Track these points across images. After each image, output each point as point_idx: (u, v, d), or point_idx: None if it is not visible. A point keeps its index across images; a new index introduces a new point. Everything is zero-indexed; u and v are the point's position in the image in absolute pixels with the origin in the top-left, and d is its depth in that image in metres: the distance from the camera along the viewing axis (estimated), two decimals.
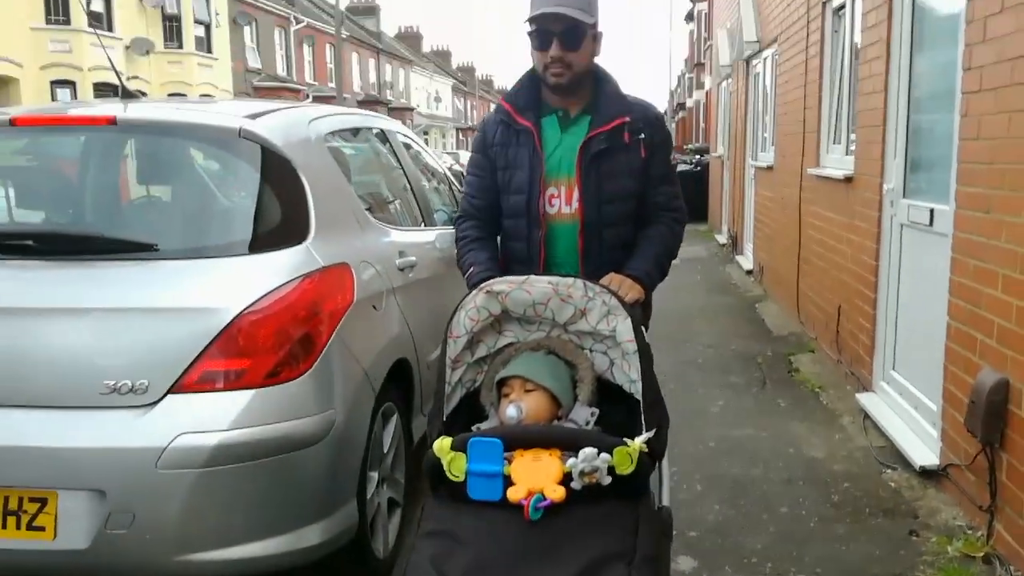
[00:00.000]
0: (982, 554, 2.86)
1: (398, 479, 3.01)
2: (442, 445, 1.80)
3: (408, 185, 3.74)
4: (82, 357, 2.18)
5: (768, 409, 4.63)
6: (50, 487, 2.16)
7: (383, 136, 3.74)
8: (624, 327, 1.98)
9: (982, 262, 3.03)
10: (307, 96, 30.91)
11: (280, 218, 2.53)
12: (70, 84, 18.99)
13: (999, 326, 2.89)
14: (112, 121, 2.59)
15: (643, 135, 2.29)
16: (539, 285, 2.03)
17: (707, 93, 20.31)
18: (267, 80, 28.74)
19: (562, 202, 2.30)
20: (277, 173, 2.57)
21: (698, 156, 18.10)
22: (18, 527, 2.18)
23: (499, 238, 2.44)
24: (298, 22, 31.32)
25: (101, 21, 19.87)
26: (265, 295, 2.28)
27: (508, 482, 1.73)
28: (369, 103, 35.25)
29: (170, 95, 22.84)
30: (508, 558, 1.64)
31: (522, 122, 2.30)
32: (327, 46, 34.77)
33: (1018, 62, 2.77)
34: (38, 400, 2.19)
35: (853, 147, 4.97)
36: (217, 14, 24.68)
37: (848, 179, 4.93)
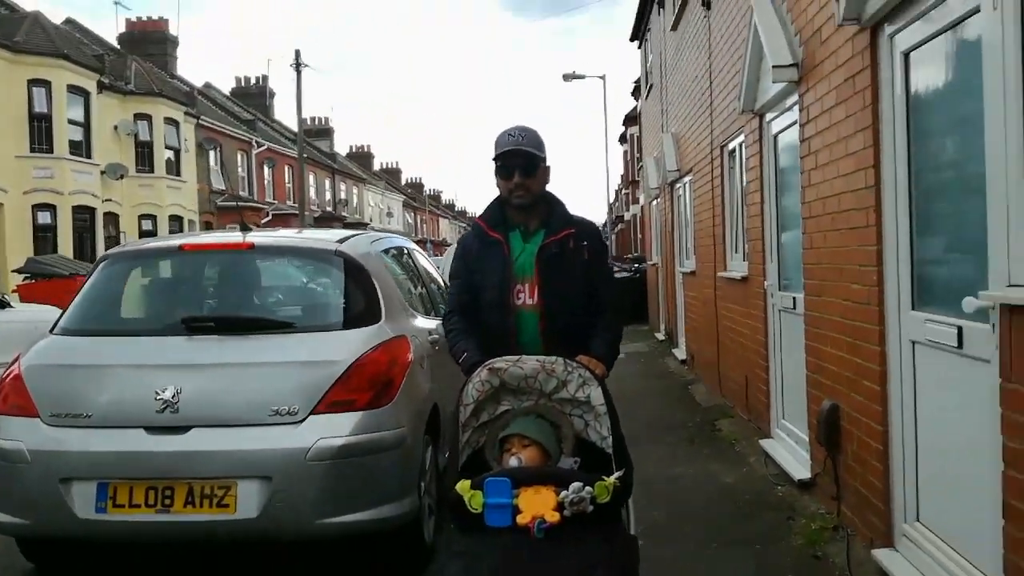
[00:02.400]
0: (832, 525, 4.23)
1: (432, 492, 4.27)
2: (463, 485, 2.32)
3: (424, 285, 5.14)
4: (257, 392, 3.48)
5: (695, 456, 6.00)
6: (234, 476, 3.40)
7: (407, 251, 5.19)
8: (596, 394, 2.58)
9: (819, 329, 4.54)
10: (268, 214, 32.47)
11: (363, 306, 3.90)
12: (51, 207, 20.08)
13: (829, 370, 4.37)
14: (251, 247, 3.98)
15: (586, 242, 2.93)
16: (530, 363, 2.61)
17: (642, 208, 22.44)
18: (230, 200, 30.21)
19: (526, 296, 2.88)
20: (357, 277, 3.97)
21: (636, 264, 19.96)
22: (211, 505, 3.40)
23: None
24: (259, 146, 33.16)
25: (80, 149, 21.18)
26: (364, 353, 3.63)
27: (516, 511, 2.25)
28: (326, 219, 36.86)
29: (141, 217, 24.09)
30: (522, 565, 2.19)
31: (494, 235, 2.93)
32: (286, 167, 36.62)
33: (826, 200, 4.36)
34: (228, 421, 3.45)
35: (747, 255, 6.60)
36: (186, 140, 26.27)
37: (744, 279, 6.52)
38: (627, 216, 36.62)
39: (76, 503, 3.45)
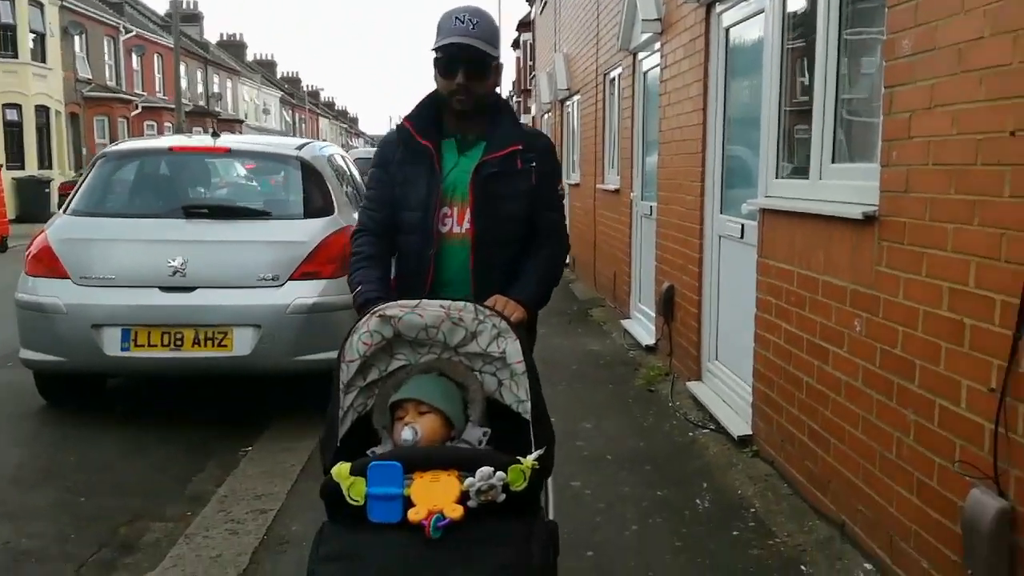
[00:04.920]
0: (665, 373, 6.04)
1: None
2: (340, 470, 1.87)
3: (354, 186, 6.52)
4: (247, 263, 4.83)
5: (570, 333, 7.76)
6: (231, 324, 4.78)
7: (342, 157, 6.52)
8: (513, 349, 2.13)
9: (665, 229, 6.25)
10: (137, 106, 31.88)
11: (321, 201, 5.27)
12: None
13: (671, 260, 6.10)
14: (228, 150, 5.26)
15: (534, 163, 2.46)
16: (431, 309, 2.15)
17: (533, 119, 23.88)
18: (98, 90, 29.52)
19: (454, 221, 2.44)
20: (314, 177, 5.32)
21: None
22: (213, 345, 4.79)
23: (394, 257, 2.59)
24: (127, 31, 32.18)
25: None
26: (325, 237, 5.02)
27: (408, 503, 1.81)
28: (199, 115, 36.36)
29: (5, 106, 23.53)
30: (414, 573, 1.77)
31: (422, 142, 2.44)
32: (155, 56, 35.66)
33: (674, 131, 5.99)
34: (226, 283, 4.79)
35: (619, 171, 8.26)
36: (50, 23, 25.47)
37: (616, 190, 8.20)
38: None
39: (105, 344, 4.75)
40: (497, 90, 2.57)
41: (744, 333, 4.55)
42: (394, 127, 2.61)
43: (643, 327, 7.18)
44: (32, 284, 4.91)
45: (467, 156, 2.49)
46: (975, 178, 2.47)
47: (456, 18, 2.37)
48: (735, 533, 3.51)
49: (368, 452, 2.06)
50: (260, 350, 4.78)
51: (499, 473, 1.85)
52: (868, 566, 3.10)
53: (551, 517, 2.30)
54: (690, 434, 4.81)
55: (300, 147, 5.47)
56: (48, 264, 4.87)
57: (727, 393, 4.97)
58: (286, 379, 5.16)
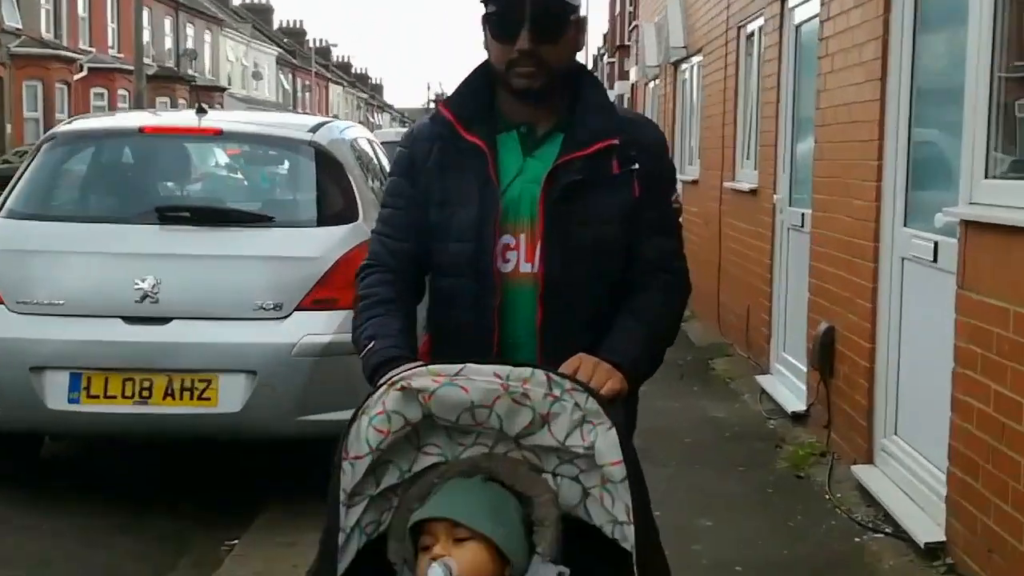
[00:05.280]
0: (819, 452, 6.09)
1: None
2: None
3: (383, 180, 6.77)
4: (240, 286, 5.07)
5: (685, 391, 7.86)
6: (216, 369, 5.02)
7: (370, 141, 6.78)
8: (607, 442, 1.96)
9: (824, 246, 6.33)
10: (81, 68, 33.22)
11: (342, 203, 5.50)
12: None
13: (830, 291, 6.17)
14: (219, 132, 5.55)
15: (637, 165, 2.31)
16: (480, 379, 2.00)
17: (633, 87, 24.17)
18: (29, 45, 30.87)
19: (521, 256, 2.31)
20: (333, 170, 5.56)
21: None
22: (192, 398, 5.03)
23: (427, 308, 2.47)
24: None
25: None
26: (346, 252, 5.24)
27: None
28: (165, 80, 37.72)
29: None
30: None
31: (470, 138, 2.31)
32: None
33: (838, 109, 6.08)
34: (211, 314, 5.04)
35: (758, 163, 8.37)
36: None
37: (753, 191, 8.32)
38: (611, 96, 38.27)
39: (47, 393, 5.03)
40: (578, 56, 2.43)
41: (937, 397, 4.60)
42: (427, 113, 2.52)
43: (788, 386, 7.24)
44: None
45: (536, 157, 2.36)
46: None
47: None
48: None
49: None
50: (254, 405, 5.00)
51: None
52: None
53: None
54: (856, 539, 4.89)
55: (314, 129, 5.74)
56: None
57: (910, 483, 5.01)
58: (288, 445, 5.38)
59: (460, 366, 2.01)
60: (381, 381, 2.04)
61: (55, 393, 5.04)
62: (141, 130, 5.70)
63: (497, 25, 2.29)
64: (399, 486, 2.08)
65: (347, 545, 2.01)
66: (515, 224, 2.31)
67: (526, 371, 2.01)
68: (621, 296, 2.36)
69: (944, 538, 4.48)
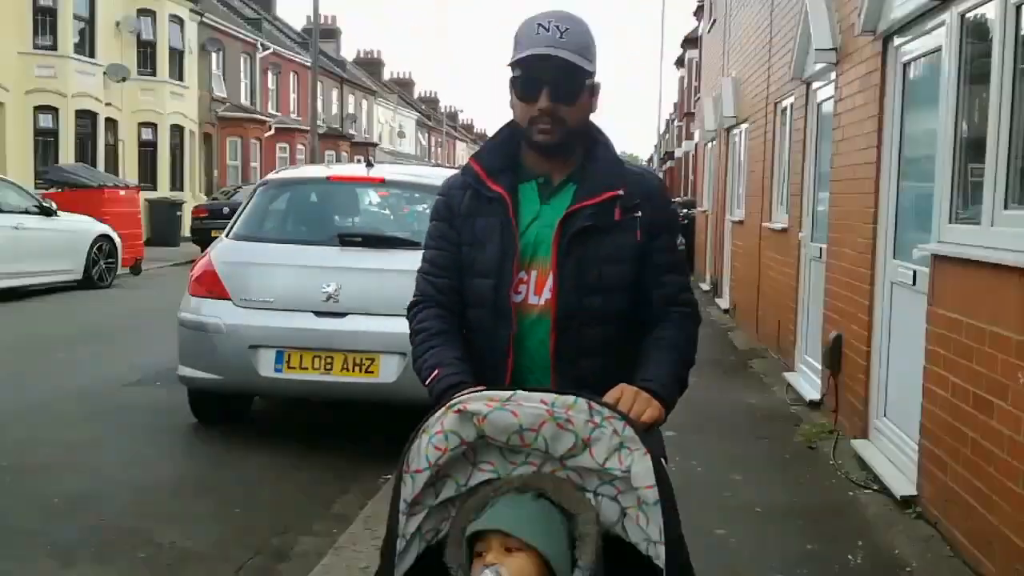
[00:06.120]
0: (828, 430, 6.36)
1: None
2: None
3: None
4: (397, 292, 5.56)
5: (727, 385, 8.16)
6: (378, 351, 5.54)
7: None
8: (642, 467, 1.82)
9: (835, 272, 6.61)
10: (270, 128, 34.57)
11: None
12: (53, 110, 22.26)
13: (839, 307, 6.45)
14: (382, 180, 6.10)
15: (639, 213, 2.18)
16: (528, 405, 1.86)
17: (696, 146, 24.35)
18: (232, 110, 32.31)
19: (529, 290, 2.20)
20: None
21: (685, 208, 21.83)
22: (361, 371, 5.56)
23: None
24: (264, 49, 35.07)
25: (83, 47, 23.26)
26: None
27: None
28: (332, 137, 38.92)
29: (141, 124, 26.24)
30: None
31: (494, 188, 2.20)
32: (291, 74, 38.57)
33: (846, 168, 6.37)
34: (375, 311, 5.56)
35: (788, 208, 8.64)
36: (189, 40, 28.26)
37: (784, 230, 8.59)
38: (678, 153, 38.38)
39: (260, 364, 5.62)
40: (592, 117, 2.26)
41: (914, 388, 4.87)
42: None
43: (808, 381, 7.50)
44: (195, 304, 5.87)
45: (551, 204, 2.20)
46: None
47: (540, 25, 2.11)
48: None
49: None
50: (405, 378, 5.49)
51: None
52: None
53: None
54: (850, 493, 5.15)
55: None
56: (211, 286, 5.81)
57: (893, 452, 5.27)
58: (429, 409, 5.87)
59: (511, 392, 1.87)
60: (449, 397, 1.91)
61: (265, 364, 5.62)
62: (328, 179, 6.34)
63: (522, 87, 2.15)
64: (457, 498, 1.93)
65: (408, 549, 1.89)
66: (531, 262, 2.17)
67: (570, 399, 1.86)
68: (630, 326, 2.20)
69: (915, 492, 4.76)
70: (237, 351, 5.65)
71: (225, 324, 5.70)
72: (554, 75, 2.09)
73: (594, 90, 2.20)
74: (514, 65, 2.13)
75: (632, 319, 2.20)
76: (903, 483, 4.91)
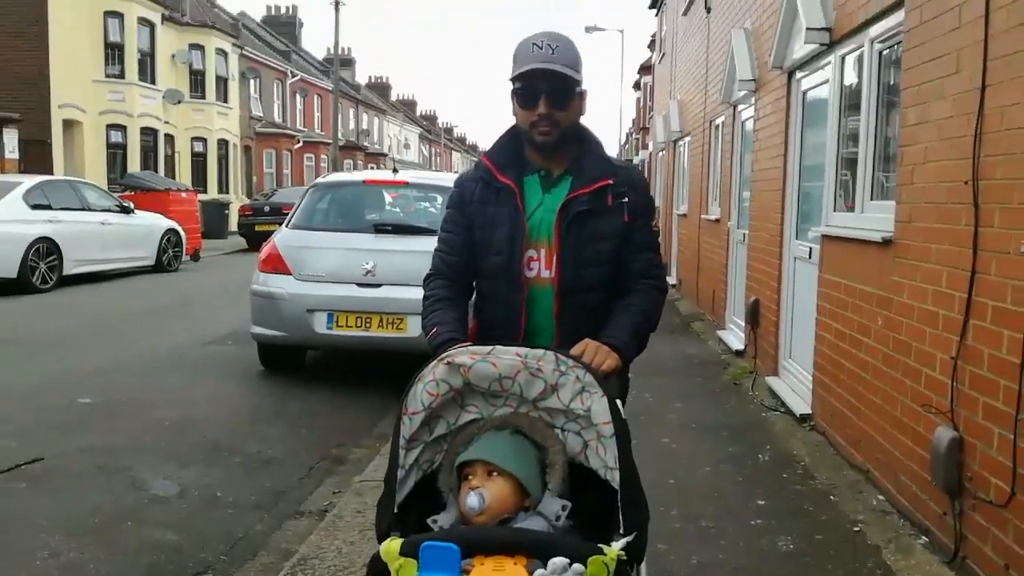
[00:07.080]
0: (749, 371, 6.93)
1: None
2: (390, 549, 1.61)
3: None
4: (422, 267, 6.08)
5: (673, 341, 8.72)
6: (407, 312, 6.05)
7: None
8: (600, 407, 1.83)
9: (753, 252, 7.15)
10: (298, 141, 34.77)
11: None
12: (122, 128, 22.50)
13: (757, 278, 7.00)
14: (407, 183, 6.60)
15: (627, 199, 2.21)
16: (506, 357, 1.87)
17: (650, 154, 24.81)
18: (267, 127, 32.52)
19: (541, 266, 2.21)
20: None
21: None
22: (393, 328, 6.08)
23: (472, 303, 2.35)
24: (293, 76, 35.25)
25: (146, 75, 23.48)
26: None
27: None
28: (349, 148, 39.13)
29: (193, 139, 26.47)
30: None
31: (503, 180, 2.21)
32: (315, 96, 38.72)
33: (762, 171, 6.91)
34: (405, 282, 6.03)
35: (719, 203, 9.17)
36: (232, 69, 28.46)
37: (717, 220, 9.12)
38: (636, 160, 38.83)
39: (315, 324, 6.12)
40: (582, 120, 2.27)
41: (809, 334, 5.43)
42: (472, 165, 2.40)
43: (735, 335, 8.06)
44: (264, 279, 6.36)
45: (552, 194, 2.23)
46: (948, 213, 3.39)
47: (534, 44, 2.13)
48: (785, 475, 4.45)
49: (429, 521, 1.83)
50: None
51: (576, 566, 1.54)
52: (880, 497, 3.98)
53: None
54: (763, 415, 5.71)
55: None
56: (276, 264, 6.30)
57: (795, 383, 5.84)
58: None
59: (491, 348, 1.89)
60: (445, 349, 1.95)
61: (319, 324, 6.13)
62: (364, 181, 6.85)
63: (522, 96, 2.17)
64: (447, 435, 1.94)
65: (407, 478, 1.88)
66: (537, 242, 2.20)
67: (540, 352, 1.88)
68: (615, 294, 2.23)
69: (810, 411, 5.32)
70: (297, 314, 6.15)
71: (288, 293, 6.19)
72: (550, 85, 2.13)
73: (582, 96, 2.22)
74: (515, 79, 2.16)
75: (614, 287, 2.23)
76: (801, 405, 5.47)
